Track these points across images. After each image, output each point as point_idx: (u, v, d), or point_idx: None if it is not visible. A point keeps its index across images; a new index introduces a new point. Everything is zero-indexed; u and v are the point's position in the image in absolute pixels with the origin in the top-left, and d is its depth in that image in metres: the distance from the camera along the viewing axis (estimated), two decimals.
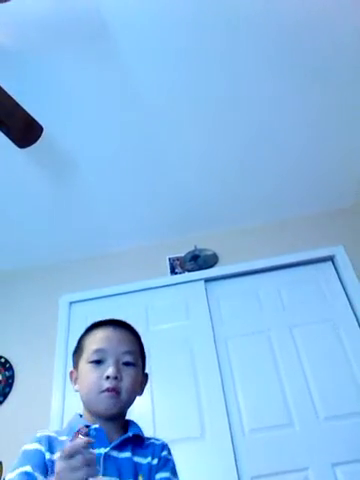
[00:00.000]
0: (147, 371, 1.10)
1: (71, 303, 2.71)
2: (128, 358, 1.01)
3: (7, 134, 1.86)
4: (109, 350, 1.00)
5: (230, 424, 2.15)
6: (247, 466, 2.03)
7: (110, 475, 0.85)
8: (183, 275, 2.75)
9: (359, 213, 2.79)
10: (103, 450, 0.89)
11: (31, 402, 2.35)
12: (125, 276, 2.76)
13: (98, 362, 0.99)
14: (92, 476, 0.73)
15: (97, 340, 1.03)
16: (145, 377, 1.08)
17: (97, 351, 1.01)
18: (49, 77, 1.95)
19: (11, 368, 2.48)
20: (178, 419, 2.18)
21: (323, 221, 2.84)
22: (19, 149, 1.96)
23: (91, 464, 0.73)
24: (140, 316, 2.57)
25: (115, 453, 0.91)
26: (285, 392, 2.23)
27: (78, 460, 0.71)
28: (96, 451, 0.86)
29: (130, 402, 1.01)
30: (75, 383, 1.05)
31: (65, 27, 1.78)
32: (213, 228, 2.88)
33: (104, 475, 0.84)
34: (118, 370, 0.98)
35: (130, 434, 0.96)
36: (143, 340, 1.10)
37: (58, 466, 0.73)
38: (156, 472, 0.94)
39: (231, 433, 2.13)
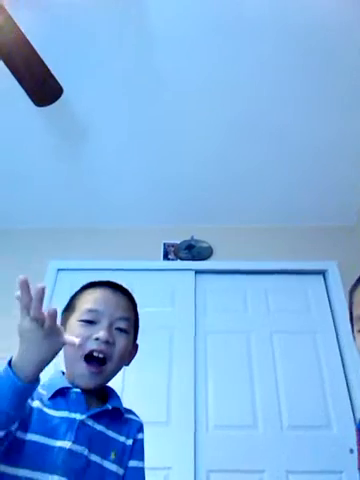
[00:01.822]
0: (138, 342, 1.04)
1: (59, 270, 2.69)
2: (122, 324, 0.95)
3: (26, 90, 1.83)
4: (104, 312, 0.94)
5: (196, 416, 2.18)
6: (205, 459, 2.06)
7: (80, 444, 0.83)
8: (175, 262, 2.75)
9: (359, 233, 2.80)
10: (79, 416, 0.86)
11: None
12: (118, 253, 2.74)
13: (90, 322, 0.93)
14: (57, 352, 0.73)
15: (93, 300, 0.96)
16: (135, 348, 1.03)
17: (91, 311, 0.94)
18: (80, 42, 1.93)
19: None
20: (146, 401, 2.19)
21: (322, 235, 2.84)
22: (36, 107, 1.94)
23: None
24: None
25: (90, 422, 0.87)
26: (255, 395, 2.26)
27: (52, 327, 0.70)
28: (72, 416, 0.85)
29: (115, 372, 0.95)
30: None
31: None
32: (212, 222, 2.87)
33: (74, 442, 0.82)
34: (110, 335, 0.91)
35: (109, 406, 0.92)
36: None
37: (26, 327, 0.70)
38: (130, 457, 0.92)
39: (195, 425, 2.15)
